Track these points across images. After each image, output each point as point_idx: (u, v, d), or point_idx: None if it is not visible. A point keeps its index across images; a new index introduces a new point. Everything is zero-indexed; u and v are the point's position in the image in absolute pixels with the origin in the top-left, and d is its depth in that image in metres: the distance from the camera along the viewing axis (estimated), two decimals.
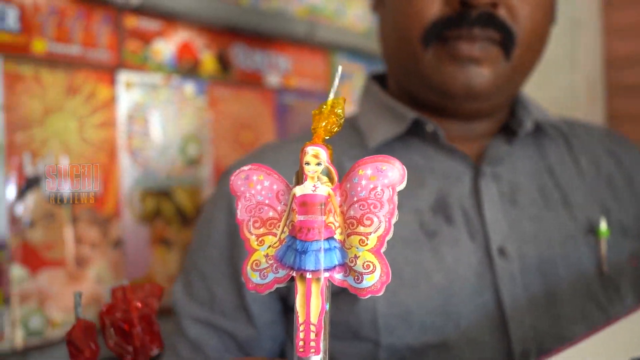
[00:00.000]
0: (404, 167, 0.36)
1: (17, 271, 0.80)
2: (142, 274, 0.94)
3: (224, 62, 1.07)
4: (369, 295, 0.35)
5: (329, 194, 0.36)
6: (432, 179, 0.67)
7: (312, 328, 0.35)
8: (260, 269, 0.37)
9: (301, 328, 0.35)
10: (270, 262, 0.36)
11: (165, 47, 0.98)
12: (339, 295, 0.61)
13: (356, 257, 0.35)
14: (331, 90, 0.37)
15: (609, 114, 1.55)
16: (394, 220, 0.36)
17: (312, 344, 0.35)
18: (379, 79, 0.78)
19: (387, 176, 0.35)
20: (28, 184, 0.81)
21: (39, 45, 0.82)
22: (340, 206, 0.36)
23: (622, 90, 1.54)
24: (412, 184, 0.67)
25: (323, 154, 0.35)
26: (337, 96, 0.37)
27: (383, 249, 0.35)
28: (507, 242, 0.64)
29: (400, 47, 0.67)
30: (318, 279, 0.35)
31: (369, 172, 0.35)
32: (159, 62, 0.97)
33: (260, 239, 0.37)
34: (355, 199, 0.35)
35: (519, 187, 0.69)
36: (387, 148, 0.68)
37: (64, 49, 0.85)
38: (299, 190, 0.36)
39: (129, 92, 0.93)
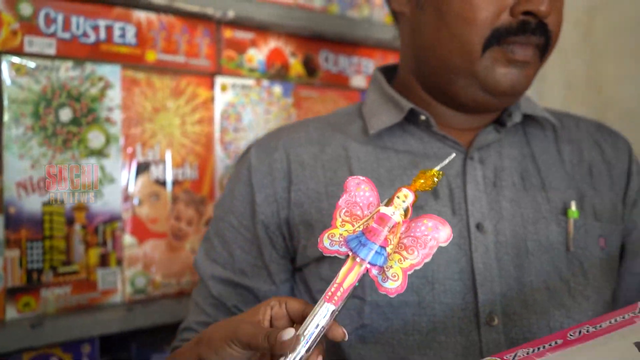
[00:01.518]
0: (452, 236, 0.52)
1: (128, 239, 0.98)
2: None
3: (310, 66, 1.20)
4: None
5: (398, 223, 0.52)
6: (425, 161, 0.75)
7: (341, 289, 0.51)
8: (332, 240, 0.53)
9: (335, 285, 0.51)
10: (340, 239, 0.53)
11: (257, 54, 1.13)
12: (333, 260, 0.71)
13: (391, 267, 0.51)
14: (440, 164, 0.53)
15: None
16: (426, 260, 0.52)
17: (336, 298, 0.51)
18: (387, 72, 0.86)
19: (438, 233, 0.52)
20: (138, 170, 0.99)
21: (151, 56, 1.00)
22: (401, 233, 0.52)
23: None
24: (407, 164, 0.75)
25: (410, 198, 0.52)
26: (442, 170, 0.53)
27: (409, 272, 0.51)
28: (485, 219, 0.72)
29: (451, 49, 0.72)
30: (361, 265, 0.51)
31: (430, 224, 0.52)
32: (251, 68, 1.12)
33: (343, 223, 0.53)
34: (412, 233, 0.52)
35: (502, 171, 0.75)
36: (388, 133, 0.77)
37: (171, 58, 1.02)
38: (382, 209, 0.52)
39: (224, 93, 1.08)
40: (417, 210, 0.72)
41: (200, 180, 1.07)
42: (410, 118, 0.77)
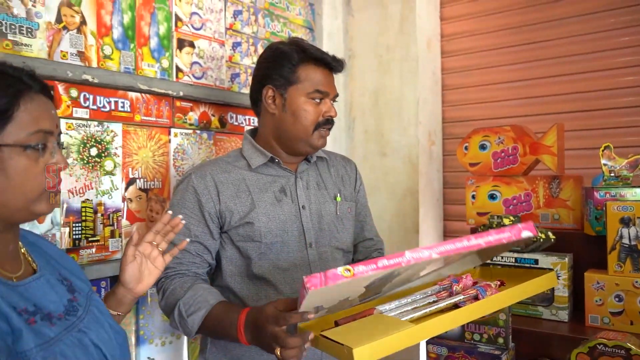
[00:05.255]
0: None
1: (124, 222, 1.53)
2: None
3: (222, 122, 1.82)
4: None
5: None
6: (279, 179, 1.38)
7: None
8: None
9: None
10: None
11: (193, 115, 1.73)
12: (245, 226, 1.30)
13: None
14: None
15: (444, 152, 2.35)
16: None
17: None
18: (251, 132, 1.44)
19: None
20: (130, 182, 1.54)
21: (137, 117, 1.56)
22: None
23: (453, 138, 2.34)
24: (270, 182, 1.37)
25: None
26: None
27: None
28: (305, 203, 1.36)
29: (299, 130, 1.35)
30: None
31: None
32: (190, 123, 1.72)
33: None
34: None
35: (309, 182, 1.40)
36: (260, 166, 1.36)
37: (148, 118, 1.59)
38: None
39: (175, 138, 1.67)
40: (278, 201, 1.34)
41: (163, 188, 1.64)
42: (271, 159, 1.39)
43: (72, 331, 0.87)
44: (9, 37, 1.27)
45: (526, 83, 2.10)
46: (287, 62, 1.34)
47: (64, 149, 0.93)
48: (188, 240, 1.16)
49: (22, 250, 0.93)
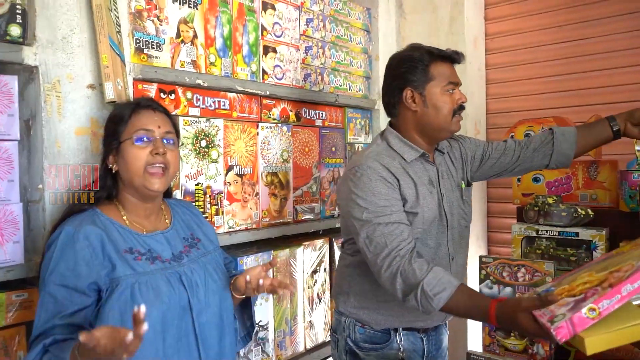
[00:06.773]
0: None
1: (225, 202, 1.81)
2: (265, 209, 1.96)
3: (298, 116, 2.09)
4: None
5: None
6: (427, 172, 1.57)
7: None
8: None
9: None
10: None
11: (276, 111, 2.00)
12: (413, 214, 1.52)
13: None
14: None
15: (488, 140, 2.58)
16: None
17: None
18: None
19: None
20: (229, 169, 1.83)
21: (234, 114, 1.84)
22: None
23: (496, 128, 2.56)
24: (422, 175, 1.57)
25: None
26: None
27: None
28: (443, 190, 1.56)
29: (441, 120, 1.48)
30: None
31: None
32: (274, 118, 1.99)
33: None
34: None
35: (444, 171, 1.62)
36: (414, 161, 1.51)
37: (242, 115, 1.87)
38: None
39: (262, 131, 1.94)
40: (430, 191, 1.56)
41: (253, 174, 1.92)
42: (422, 154, 1.53)
43: (166, 270, 1.18)
44: (145, 51, 1.55)
45: (566, 77, 2.31)
46: (420, 64, 1.50)
47: (166, 143, 1.22)
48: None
49: (164, 214, 1.31)
